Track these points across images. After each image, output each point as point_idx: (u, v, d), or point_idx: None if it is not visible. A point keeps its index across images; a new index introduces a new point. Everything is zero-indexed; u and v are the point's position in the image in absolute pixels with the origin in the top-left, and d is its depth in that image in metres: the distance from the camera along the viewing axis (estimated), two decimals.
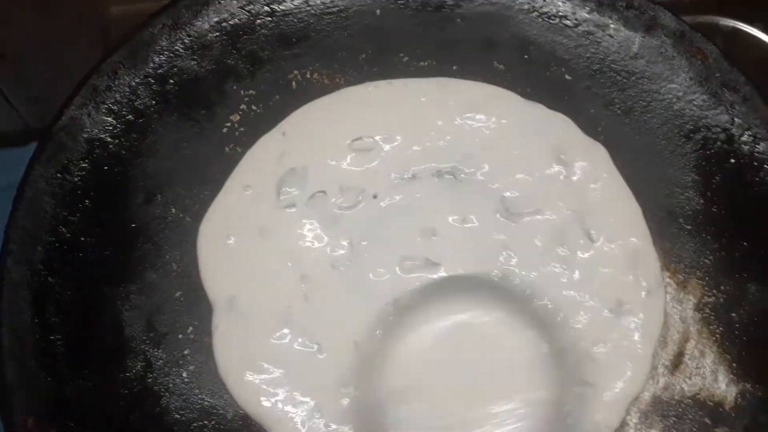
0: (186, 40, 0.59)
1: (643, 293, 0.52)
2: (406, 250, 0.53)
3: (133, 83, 0.57)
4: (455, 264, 0.53)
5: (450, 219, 0.54)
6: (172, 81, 0.58)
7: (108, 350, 0.49)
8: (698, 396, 0.51)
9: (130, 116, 0.56)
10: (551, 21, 0.63)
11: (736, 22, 0.75)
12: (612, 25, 0.62)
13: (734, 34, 0.75)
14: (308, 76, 0.59)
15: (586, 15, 0.63)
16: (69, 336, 0.48)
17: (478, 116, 0.57)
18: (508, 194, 0.55)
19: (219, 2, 0.60)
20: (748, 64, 0.61)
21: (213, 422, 0.50)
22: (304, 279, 0.52)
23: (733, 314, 0.52)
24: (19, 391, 0.44)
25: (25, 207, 0.49)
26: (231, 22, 0.60)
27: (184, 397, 0.50)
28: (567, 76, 0.61)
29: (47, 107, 0.78)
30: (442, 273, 0.52)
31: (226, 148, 0.57)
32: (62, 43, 0.73)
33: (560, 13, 0.63)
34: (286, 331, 0.50)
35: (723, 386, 0.50)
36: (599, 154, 0.57)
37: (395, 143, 0.56)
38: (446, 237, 0.53)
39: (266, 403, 0.48)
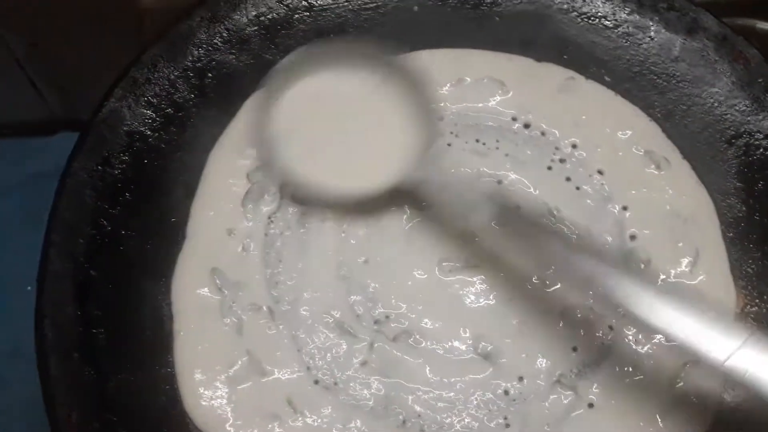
0: (224, 34, 0.58)
1: None
2: None
3: (172, 76, 0.56)
4: None
5: None
6: (210, 75, 0.57)
7: (149, 345, 0.49)
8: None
9: (169, 109, 0.55)
10: (590, 21, 0.62)
11: None
12: (653, 27, 0.62)
13: None
14: None
15: (626, 16, 0.62)
16: (111, 330, 0.47)
17: None
18: None
19: None
20: None
21: None
22: None
23: None
24: (62, 384, 0.44)
25: (67, 198, 0.49)
26: (269, 17, 0.60)
27: None
28: (606, 78, 0.61)
29: (75, 97, 0.79)
30: None
31: None
32: (91, 32, 0.73)
33: (600, 14, 0.62)
34: None
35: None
36: None
37: None
38: None
39: None
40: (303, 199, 0.54)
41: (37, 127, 0.83)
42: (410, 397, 0.48)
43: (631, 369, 0.50)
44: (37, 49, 0.75)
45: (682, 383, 0.49)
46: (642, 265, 0.53)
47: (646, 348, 0.51)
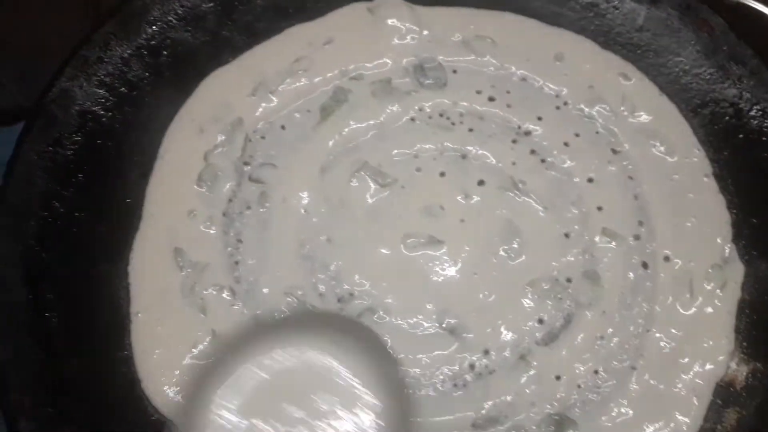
0: (179, 11, 0.57)
1: None
2: None
3: (125, 55, 0.55)
4: None
5: None
6: (165, 53, 0.56)
7: (105, 328, 0.47)
8: None
9: (123, 89, 0.54)
10: None
11: None
12: None
13: (738, 9, 0.73)
14: None
15: None
16: (65, 313, 0.46)
17: None
18: None
19: None
20: (753, 39, 0.59)
21: None
22: None
23: (744, 293, 0.51)
24: (13, 369, 0.43)
25: (16, 181, 0.48)
26: None
27: None
28: None
29: (36, 84, 0.77)
30: None
31: None
32: (50, 17, 0.71)
33: None
34: None
35: (733, 366, 0.49)
36: None
37: None
38: None
39: None
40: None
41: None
42: None
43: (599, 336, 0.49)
44: None
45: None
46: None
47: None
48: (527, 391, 0.48)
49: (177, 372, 0.47)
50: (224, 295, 0.50)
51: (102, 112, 0.53)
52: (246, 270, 0.50)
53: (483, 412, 0.47)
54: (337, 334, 0.45)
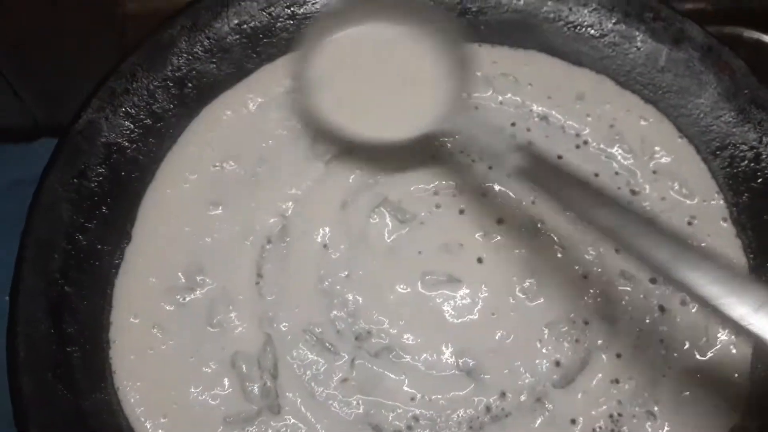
0: (205, 43, 0.58)
1: None
2: None
3: (152, 86, 0.55)
4: None
5: None
6: (190, 84, 0.57)
7: None
8: None
9: (148, 120, 0.55)
10: (577, 31, 0.62)
11: (761, 34, 0.74)
12: (639, 37, 0.61)
13: (759, 46, 0.74)
14: None
15: (612, 26, 0.62)
16: (85, 347, 0.47)
17: None
18: None
19: (239, 4, 0.59)
20: None
21: None
22: None
23: None
24: (35, 404, 0.43)
25: (41, 213, 0.48)
26: (251, 25, 0.59)
27: None
28: None
29: (57, 103, 0.78)
30: None
31: None
32: (74, 38, 0.72)
33: (586, 23, 0.62)
34: None
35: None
36: None
37: None
38: None
39: None
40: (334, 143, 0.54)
41: (18, 134, 0.81)
42: (391, 415, 0.48)
43: (615, 379, 0.49)
44: (18, 55, 0.73)
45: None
46: None
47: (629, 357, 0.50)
48: None
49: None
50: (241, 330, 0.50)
51: (127, 144, 0.53)
52: (265, 305, 0.50)
53: None
54: None
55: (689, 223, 0.55)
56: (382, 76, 0.55)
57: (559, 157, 0.56)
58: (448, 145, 0.56)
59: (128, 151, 0.53)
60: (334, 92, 0.54)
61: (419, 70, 0.55)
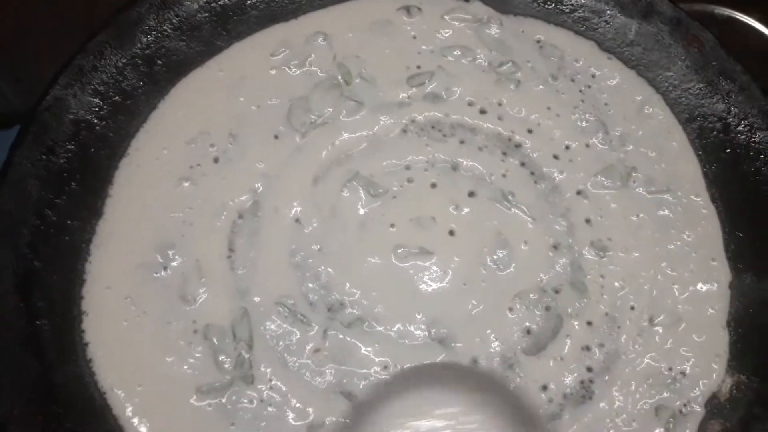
0: (174, 21, 0.57)
1: None
2: None
3: (120, 64, 0.55)
4: None
5: None
6: (160, 62, 0.56)
7: None
8: None
9: (117, 97, 0.54)
10: (547, 6, 0.62)
11: (732, 11, 0.75)
12: (608, 11, 0.61)
13: (729, 23, 0.74)
14: None
15: (583, 1, 0.62)
16: (56, 321, 0.46)
17: None
18: None
19: None
20: (743, 53, 0.60)
21: None
22: None
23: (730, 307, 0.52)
24: (5, 377, 0.43)
25: (9, 189, 0.48)
26: (221, 3, 0.59)
27: None
28: None
29: (32, 89, 0.77)
30: None
31: None
32: (46, 21, 0.71)
33: None
34: None
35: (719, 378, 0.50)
36: None
37: None
38: None
39: None
40: None
41: None
42: (363, 383, 0.48)
43: (588, 348, 0.50)
44: None
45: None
46: None
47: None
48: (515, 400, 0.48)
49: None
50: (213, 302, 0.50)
51: (96, 121, 0.53)
52: (237, 278, 0.50)
53: None
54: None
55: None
56: None
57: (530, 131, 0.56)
58: (420, 118, 0.56)
59: (97, 128, 0.53)
60: None
61: None
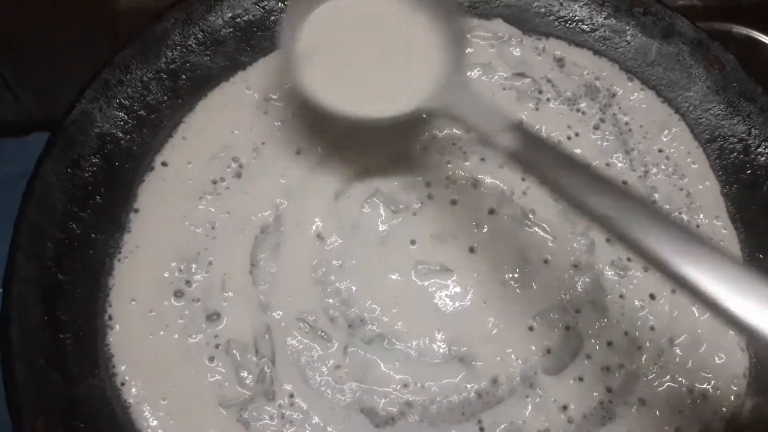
0: (199, 35, 0.58)
1: None
2: None
3: (145, 78, 0.56)
4: None
5: None
6: (184, 76, 0.57)
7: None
8: None
9: (142, 111, 0.55)
10: (568, 26, 0.62)
11: (749, 30, 0.75)
12: (629, 31, 0.62)
13: (748, 43, 0.74)
14: None
15: (603, 20, 0.62)
16: (79, 334, 0.47)
17: None
18: None
19: None
20: (762, 73, 0.60)
21: None
22: None
23: None
24: (28, 391, 0.43)
25: (35, 202, 0.48)
26: (245, 18, 0.60)
27: None
28: None
29: (51, 97, 0.78)
30: None
31: None
32: (68, 34, 0.72)
33: (577, 18, 0.63)
34: None
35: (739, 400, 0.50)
36: None
37: None
38: None
39: None
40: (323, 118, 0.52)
41: (12, 128, 0.82)
42: (383, 401, 0.48)
43: (609, 369, 0.50)
44: (12, 50, 0.74)
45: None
46: None
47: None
48: (535, 420, 0.48)
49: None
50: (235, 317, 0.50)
51: (120, 135, 0.54)
52: (259, 293, 0.51)
53: None
54: None
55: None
56: (372, 49, 0.53)
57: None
58: (439, 135, 0.57)
59: (122, 141, 0.53)
60: (322, 67, 0.52)
61: (412, 44, 0.54)
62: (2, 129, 0.81)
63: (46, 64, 0.75)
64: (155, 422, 0.45)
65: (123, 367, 0.47)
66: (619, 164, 0.57)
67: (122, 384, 0.46)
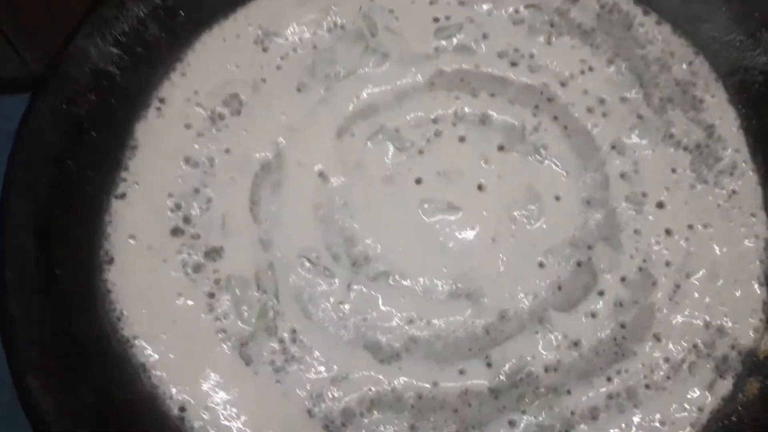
0: None
1: None
2: None
3: (142, 14, 0.54)
4: None
5: None
6: (182, 12, 0.55)
7: None
8: None
9: (139, 48, 0.53)
10: None
11: None
12: None
13: None
14: None
15: None
16: (75, 271, 0.46)
17: None
18: None
19: None
20: None
21: None
22: None
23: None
24: (23, 324, 0.42)
25: (28, 137, 0.47)
26: None
27: None
28: None
29: (50, 52, 0.76)
30: None
31: None
32: None
33: None
34: None
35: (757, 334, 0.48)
36: None
37: None
38: None
39: None
40: None
41: (13, 85, 0.81)
42: (387, 337, 0.46)
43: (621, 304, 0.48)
44: (13, 6, 0.72)
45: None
46: None
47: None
48: (544, 356, 0.46)
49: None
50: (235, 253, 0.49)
51: (117, 72, 0.52)
52: (260, 231, 0.49)
53: (501, 377, 0.46)
54: None
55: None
56: None
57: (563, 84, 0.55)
58: (447, 69, 0.55)
59: (118, 78, 0.52)
60: None
61: None
62: (3, 86, 0.80)
63: (46, 20, 0.74)
64: (155, 356, 0.44)
65: (121, 303, 0.46)
66: (635, 99, 0.55)
67: (119, 319, 0.45)
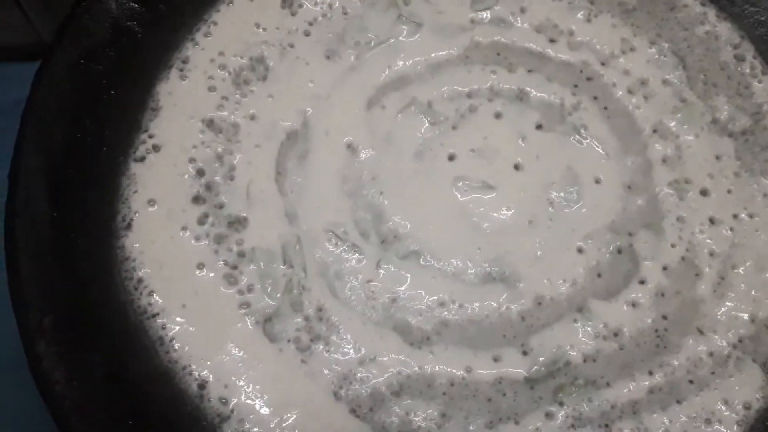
0: None
1: None
2: None
3: None
4: None
5: None
6: None
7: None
8: None
9: (162, 5, 0.50)
10: None
11: None
12: None
13: None
14: None
15: None
16: (90, 234, 0.43)
17: None
18: None
19: None
20: None
21: None
22: None
23: None
24: (34, 287, 0.39)
25: (44, 92, 0.44)
26: None
27: None
28: None
29: (61, 18, 0.73)
30: None
31: None
32: None
33: None
34: None
35: None
36: None
37: None
38: None
39: None
40: None
41: (23, 52, 0.77)
42: (417, 319, 0.44)
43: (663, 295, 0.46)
44: None
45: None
46: None
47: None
48: (584, 345, 0.44)
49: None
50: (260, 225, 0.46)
51: (138, 29, 0.49)
52: (286, 203, 0.47)
53: (538, 366, 0.43)
54: None
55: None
56: None
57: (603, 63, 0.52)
58: (483, 42, 0.52)
59: (139, 35, 0.49)
60: None
61: None
62: (13, 53, 0.77)
63: None
64: (175, 329, 0.42)
65: (138, 272, 0.43)
66: (678, 82, 0.52)
67: (136, 288, 0.42)
